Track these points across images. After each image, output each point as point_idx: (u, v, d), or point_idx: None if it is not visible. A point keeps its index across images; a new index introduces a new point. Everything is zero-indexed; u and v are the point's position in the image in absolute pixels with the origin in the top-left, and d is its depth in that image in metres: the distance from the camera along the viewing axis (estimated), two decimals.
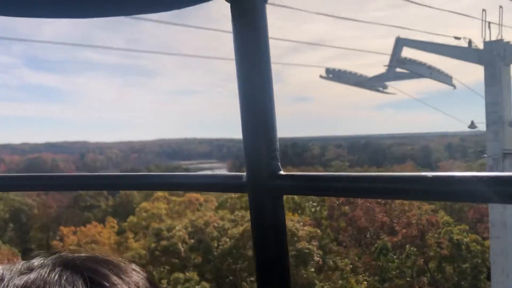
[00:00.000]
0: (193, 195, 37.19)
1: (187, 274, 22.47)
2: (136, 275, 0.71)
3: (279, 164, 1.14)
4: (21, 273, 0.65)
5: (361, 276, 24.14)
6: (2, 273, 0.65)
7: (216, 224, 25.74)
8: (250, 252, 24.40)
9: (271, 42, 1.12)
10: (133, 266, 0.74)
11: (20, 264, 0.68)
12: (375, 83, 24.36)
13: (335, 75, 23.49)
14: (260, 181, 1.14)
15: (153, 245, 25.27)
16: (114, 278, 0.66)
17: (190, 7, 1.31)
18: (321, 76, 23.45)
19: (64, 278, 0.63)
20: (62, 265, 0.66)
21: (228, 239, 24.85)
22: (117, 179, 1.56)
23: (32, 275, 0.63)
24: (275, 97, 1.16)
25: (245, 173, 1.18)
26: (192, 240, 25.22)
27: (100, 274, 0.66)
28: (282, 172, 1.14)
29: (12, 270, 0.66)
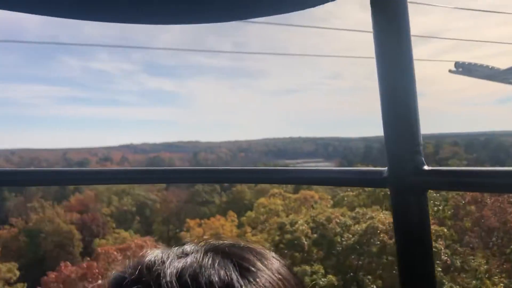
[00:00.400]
0: (308, 193, 37.96)
1: (313, 267, 23.34)
2: (277, 262, 0.76)
3: (423, 159, 1.12)
4: (179, 257, 0.72)
5: (496, 278, 22.98)
6: (162, 256, 0.72)
7: (338, 220, 26.29)
8: (373, 249, 24.58)
9: None
10: (273, 254, 0.79)
11: (175, 249, 0.76)
12: (509, 76, 22.85)
13: (465, 69, 22.43)
14: (403, 176, 1.13)
15: (277, 238, 26.56)
16: (259, 264, 0.72)
17: (322, 5, 1.31)
18: (450, 71, 22.60)
19: (217, 262, 0.69)
20: (213, 251, 0.73)
21: (350, 235, 25.30)
22: (257, 173, 1.58)
23: (189, 259, 0.70)
24: None
25: (385, 168, 1.18)
26: (315, 235, 26.04)
27: (247, 259, 0.72)
28: (426, 167, 1.12)
29: (169, 254, 0.73)
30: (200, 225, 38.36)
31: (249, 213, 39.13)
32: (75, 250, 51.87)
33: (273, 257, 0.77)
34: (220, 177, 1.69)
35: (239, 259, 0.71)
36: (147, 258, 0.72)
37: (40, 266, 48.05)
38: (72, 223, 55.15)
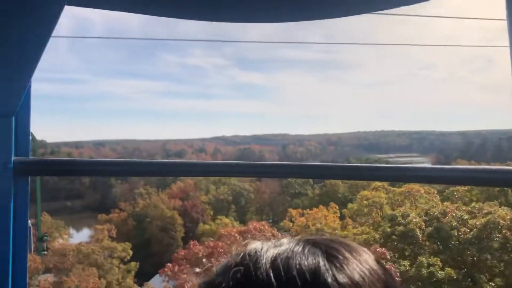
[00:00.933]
0: (413, 186, 37.21)
1: (430, 259, 23.24)
2: (365, 254, 0.82)
3: None
4: (275, 246, 0.83)
5: None
6: (262, 246, 0.83)
7: (454, 214, 25.82)
8: (494, 244, 23.85)
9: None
10: (364, 248, 0.85)
11: (273, 241, 0.87)
12: None
13: None
14: None
15: (388, 230, 26.68)
16: (347, 254, 0.79)
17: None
18: None
19: (307, 249, 0.79)
20: (305, 242, 0.83)
21: (467, 230, 24.78)
22: (389, 170, 1.52)
23: (283, 247, 0.82)
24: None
25: None
26: (429, 228, 25.81)
27: (335, 249, 0.80)
28: None
29: (268, 244, 0.85)
30: (302, 215, 39.24)
31: (350, 205, 39.31)
32: (177, 235, 55.03)
33: (363, 250, 0.83)
34: (328, 173, 1.60)
35: (328, 248, 0.80)
36: (249, 247, 0.84)
37: (146, 248, 51.95)
38: (174, 209, 58.28)
